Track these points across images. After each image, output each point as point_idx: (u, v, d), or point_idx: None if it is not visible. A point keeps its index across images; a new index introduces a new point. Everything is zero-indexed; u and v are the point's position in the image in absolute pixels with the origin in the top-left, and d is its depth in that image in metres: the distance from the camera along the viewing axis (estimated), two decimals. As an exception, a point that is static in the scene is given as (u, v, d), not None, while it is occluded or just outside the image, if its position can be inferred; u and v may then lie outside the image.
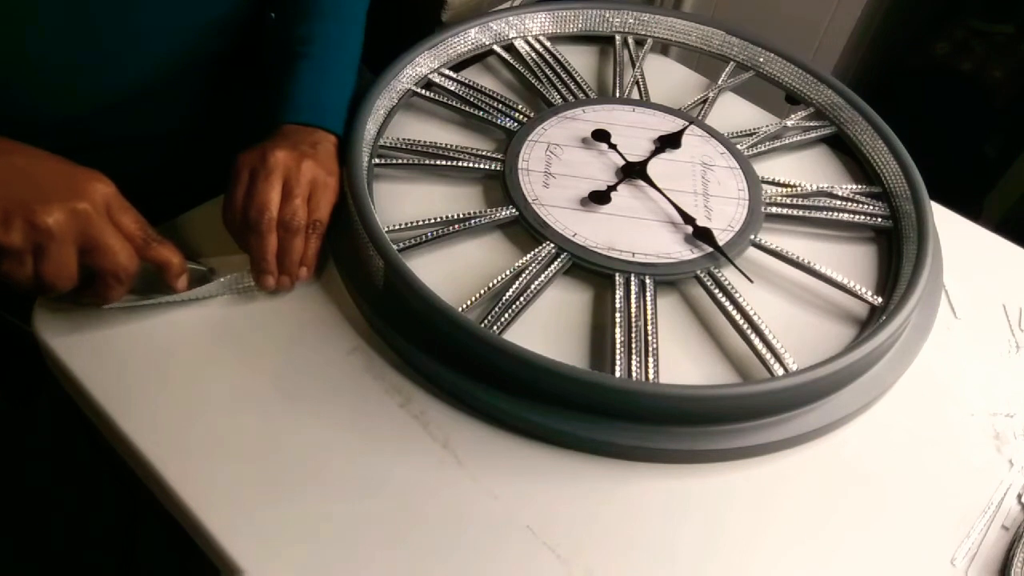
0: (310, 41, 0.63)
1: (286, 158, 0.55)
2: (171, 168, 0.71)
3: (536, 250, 0.59)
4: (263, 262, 0.54)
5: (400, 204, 0.63)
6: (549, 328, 0.56)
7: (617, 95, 0.75)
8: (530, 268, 0.57)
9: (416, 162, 0.65)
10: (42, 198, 0.45)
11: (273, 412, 0.49)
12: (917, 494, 0.51)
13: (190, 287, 0.53)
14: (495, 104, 0.71)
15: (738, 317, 0.56)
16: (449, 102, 0.71)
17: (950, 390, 0.57)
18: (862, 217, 0.66)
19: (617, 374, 0.51)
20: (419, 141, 0.66)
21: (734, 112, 0.78)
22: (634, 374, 0.52)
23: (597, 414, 0.50)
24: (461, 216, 0.60)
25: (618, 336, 0.53)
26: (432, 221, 0.60)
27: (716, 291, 0.57)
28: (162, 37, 0.61)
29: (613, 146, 0.68)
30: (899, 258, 0.62)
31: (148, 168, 0.70)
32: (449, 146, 0.66)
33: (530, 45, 0.78)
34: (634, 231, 0.61)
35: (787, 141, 0.73)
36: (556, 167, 0.66)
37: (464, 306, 0.55)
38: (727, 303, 0.57)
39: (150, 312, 0.53)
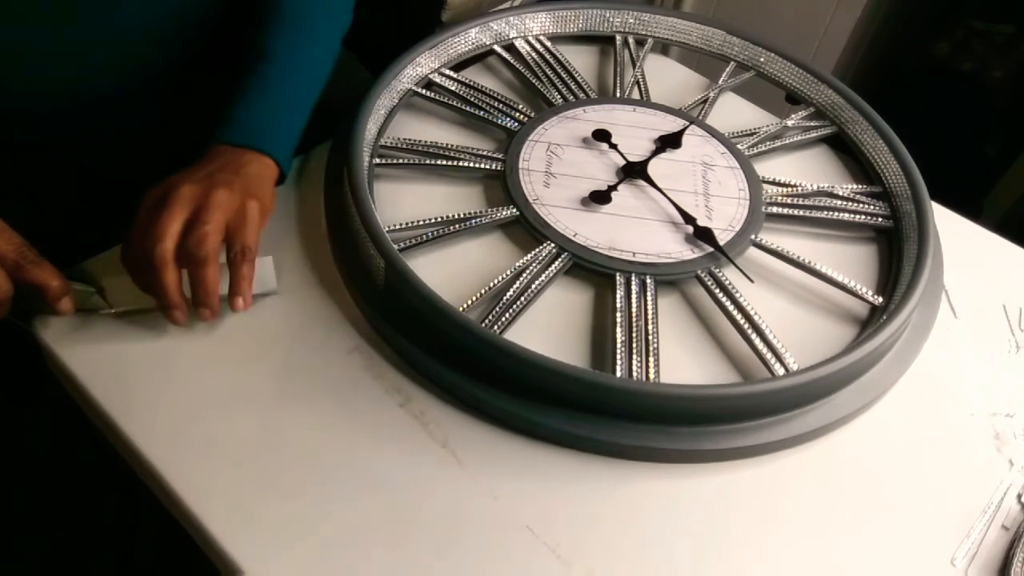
0: (267, 57, 0.60)
1: (191, 190, 0.51)
2: (152, 165, 0.70)
3: (537, 250, 0.59)
4: (163, 298, 0.50)
5: (401, 204, 0.63)
6: (550, 328, 0.56)
7: (617, 95, 0.75)
8: (531, 268, 0.57)
9: (417, 162, 0.65)
10: None
11: (273, 412, 0.49)
12: (917, 494, 0.51)
13: (77, 308, 0.51)
14: (496, 104, 0.71)
15: (739, 317, 0.56)
16: (450, 102, 0.71)
17: (950, 390, 0.57)
18: (862, 217, 0.66)
19: (618, 374, 0.51)
20: (420, 141, 0.66)
21: (734, 112, 0.78)
22: (635, 374, 0.52)
23: (597, 414, 0.50)
24: (462, 216, 0.60)
25: (619, 336, 0.53)
26: (433, 221, 0.60)
27: (717, 291, 0.57)
28: (139, 31, 0.60)
29: (614, 146, 0.68)
30: (899, 258, 0.62)
31: (127, 165, 0.70)
32: (450, 146, 0.66)
33: (531, 45, 0.78)
34: (635, 231, 0.61)
35: (787, 141, 0.73)
36: (557, 167, 0.66)
37: (465, 306, 0.55)
38: (728, 303, 0.57)
39: (149, 312, 0.53)
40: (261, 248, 0.55)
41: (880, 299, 0.59)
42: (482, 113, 0.70)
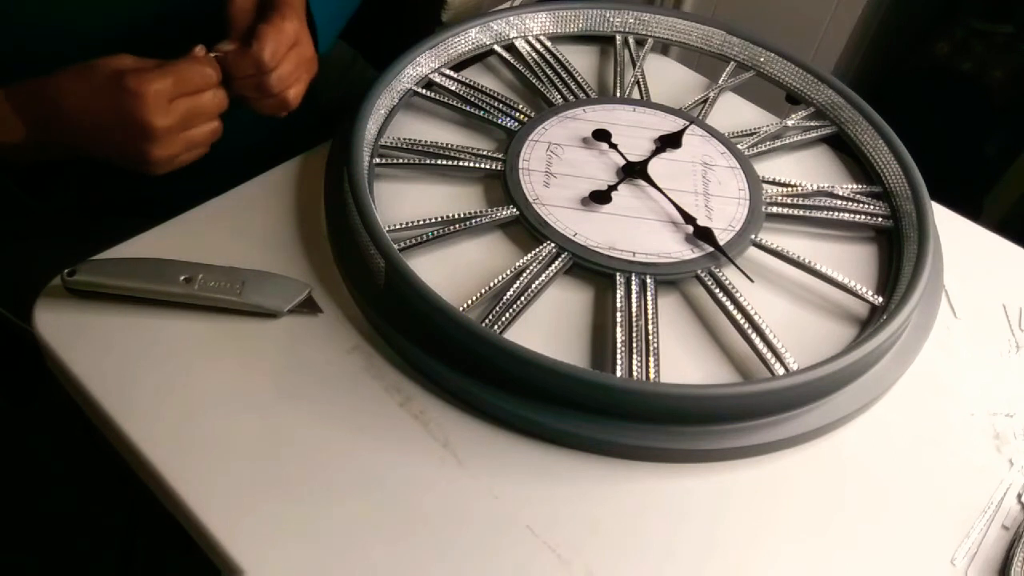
0: None
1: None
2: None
3: (537, 250, 0.59)
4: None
5: (401, 204, 0.63)
6: (550, 328, 0.56)
7: (618, 95, 0.75)
8: (531, 268, 0.57)
9: (417, 162, 0.65)
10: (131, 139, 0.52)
11: (273, 412, 0.49)
12: (917, 494, 0.51)
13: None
14: (496, 104, 0.71)
15: (739, 317, 0.56)
16: (450, 102, 0.71)
17: (950, 390, 0.57)
18: (863, 217, 0.66)
19: (618, 374, 0.51)
20: (420, 141, 0.66)
21: (734, 112, 0.78)
22: (635, 374, 0.52)
23: (597, 413, 0.50)
24: (462, 216, 0.60)
25: (619, 336, 0.53)
26: (433, 221, 0.60)
27: (717, 291, 0.57)
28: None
29: (614, 146, 0.68)
30: (899, 258, 0.62)
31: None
32: (450, 146, 0.66)
33: (531, 45, 0.78)
34: (635, 231, 0.61)
35: (787, 141, 0.73)
36: (557, 167, 0.66)
37: (465, 305, 0.55)
38: (728, 303, 0.57)
39: (150, 311, 0.53)
40: (263, 256, 0.56)
41: (880, 299, 0.59)
42: (482, 113, 0.70)
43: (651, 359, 0.52)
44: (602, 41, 0.83)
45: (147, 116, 0.51)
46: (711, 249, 0.60)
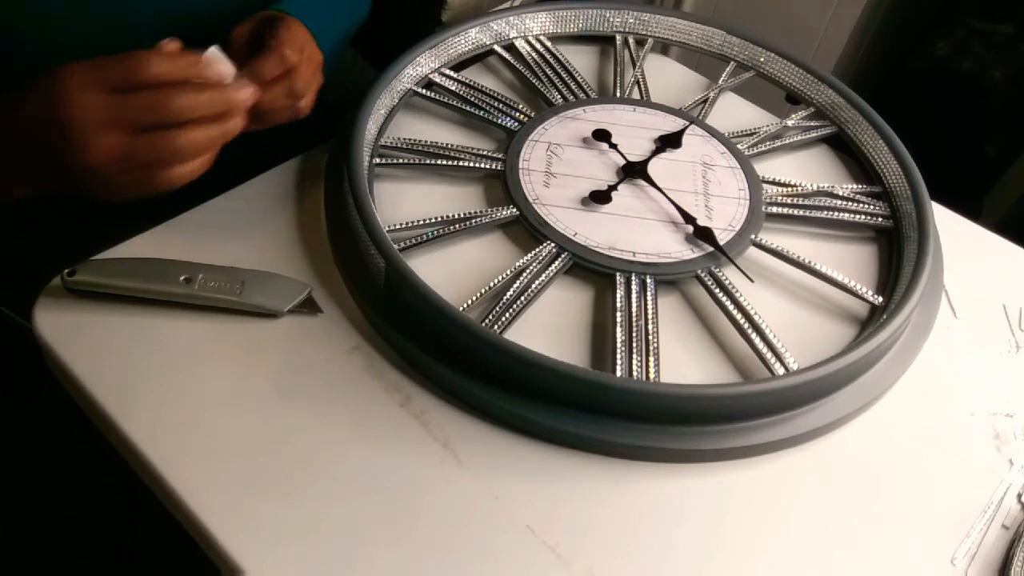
0: None
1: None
2: None
3: (537, 250, 0.59)
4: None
5: (401, 204, 0.63)
6: (550, 328, 0.56)
7: (618, 95, 0.75)
8: (531, 268, 0.57)
9: (417, 162, 0.65)
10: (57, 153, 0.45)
11: (273, 412, 0.49)
12: (917, 494, 0.51)
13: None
14: (496, 104, 0.71)
15: (739, 316, 0.56)
16: (450, 102, 0.71)
17: (950, 390, 0.57)
18: (863, 217, 0.66)
19: (618, 373, 0.51)
20: (420, 141, 0.66)
21: (734, 112, 0.78)
22: (635, 373, 0.52)
23: (598, 413, 0.50)
24: (462, 216, 0.60)
25: (619, 336, 0.53)
26: (433, 221, 0.60)
27: (717, 290, 0.57)
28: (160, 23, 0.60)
29: (614, 146, 0.68)
30: (899, 258, 0.62)
31: None
32: (450, 146, 0.66)
33: (531, 45, 0.78)
34: (635, 231, 0.61)
35: (787, 141, 0.73)
36: (557, 167, 0.66)
37: (465, 305, 0.55)
38: (728, 302, 0.57)
39: (150, 311, 0.53)
40: (263, 256, 0.56)
41: (880, 299, 0.59)
42: (482, 113, 0.70)
43: (651, 359, 0.53)
44: (602, 41, 0.83)
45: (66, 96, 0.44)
46: (711, 249, 0.60)
